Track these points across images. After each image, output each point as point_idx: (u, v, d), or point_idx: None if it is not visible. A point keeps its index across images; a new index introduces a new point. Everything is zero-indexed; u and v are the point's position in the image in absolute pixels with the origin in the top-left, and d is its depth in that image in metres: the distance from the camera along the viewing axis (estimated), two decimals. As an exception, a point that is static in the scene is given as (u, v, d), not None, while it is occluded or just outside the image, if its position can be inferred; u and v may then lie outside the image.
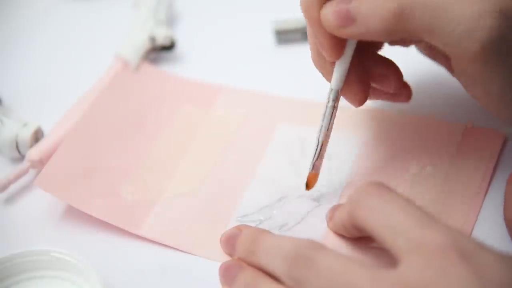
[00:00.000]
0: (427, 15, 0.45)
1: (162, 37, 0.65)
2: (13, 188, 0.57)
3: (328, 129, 0.51)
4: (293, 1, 0.70)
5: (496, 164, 0.53)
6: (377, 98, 0.55)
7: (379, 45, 0.54)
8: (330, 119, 0.51)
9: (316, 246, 0.43)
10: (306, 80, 0.63)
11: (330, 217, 0.51)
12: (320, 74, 0.63)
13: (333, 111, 0.51)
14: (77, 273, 0.49)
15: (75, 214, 0.54)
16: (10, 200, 0.56)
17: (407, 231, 0.41)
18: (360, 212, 0.44)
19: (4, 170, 0.58)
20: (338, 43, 0.49)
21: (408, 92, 0.54)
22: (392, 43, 0.54)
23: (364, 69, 0.52)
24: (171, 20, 0.70)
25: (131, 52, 0.64)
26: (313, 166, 0.52)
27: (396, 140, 0.56)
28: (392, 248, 0.41)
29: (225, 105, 0.61)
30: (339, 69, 0.50)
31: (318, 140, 0.51)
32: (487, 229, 0.50)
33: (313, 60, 0.53)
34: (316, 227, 0.51)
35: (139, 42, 0.65)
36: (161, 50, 0.66)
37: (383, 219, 0.42)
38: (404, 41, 0.54)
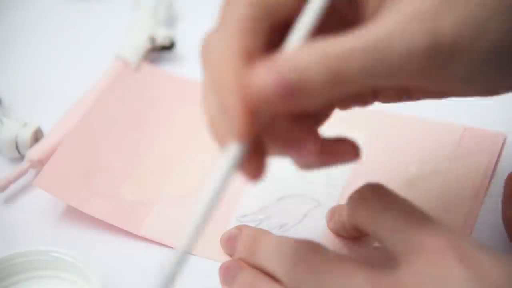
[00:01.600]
0: (363, 60, 0.37)
1: (162, 37, 0.65)
2: (12, 188, 0.57)
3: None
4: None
5: (495, 164, 0.53)
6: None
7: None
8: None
9: (316, 247, 0.43)
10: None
11: (330, 217, 0.51)
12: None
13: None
14: (77, 273, 0.49)
15: (75, 214, 0.54)
16: (9, 200, 0.56)
17: (406, 232, 0.41)
18: (360, 213, 0.44)
19: (4, 170, 0.58)
20: (251, 117, 0.37)
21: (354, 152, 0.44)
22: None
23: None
24: (171, 20, 0.70)
25: (131, 52, 0.64)
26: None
27: (396, 140, 0.56)
28: (391, 249, 0.41)
29: (225, 105, 0.61)
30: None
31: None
32: (486, 229, 0.50)
33: (209, 127, 0.42)
34: (316, 227, 0.51)
35: (139, 42, 0.65)
36: (161, 50, 0.66)
37: (382, 220, 0.42)
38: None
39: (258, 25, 0.39)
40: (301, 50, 0.37)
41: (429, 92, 0.43)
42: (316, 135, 0.42)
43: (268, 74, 0.36)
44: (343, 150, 0.43)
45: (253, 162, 0.39)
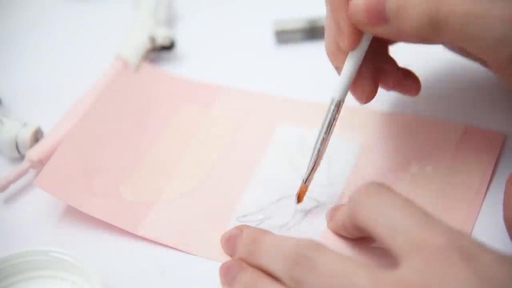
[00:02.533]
0: (461, 22, 0.45)
1: (162, 37, 0.65)
2: (12, 188, 0.57)
3: (326, 142, 0.50)
4: (293, 1, 0.70)
5: (495, 164, 0.53)
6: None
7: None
8: (330, 130, 0.50)
9: (316, 246, 0.43)
10: (306, 80, 0.63)
11: (331, 217, 0.51)
12: (320, 74, 0.63)
13: (333, 122, 0.50)
14: (77, 273, 0.49)
15: (75, 214, 0.54)
16: (10, 200, 0.56)
17: (407, 231, 0.41)
18: (360, 212, 0.44)
19: (4, 170, 0.58)
20: (358, 33, 0.48)
21: (415, 85, 0.53)
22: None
23: (374, 65, 0.51)
24: (171, 20, 0.70)
25: (131, 52, 0.64)
26: (307, 179, 0.51)
27: (396, 140, 0.56)
28: (392, 248, 0.41)
29: (225, 105, 0.61)
30: (351, 64, 0.49)
31: (315, 152, 0.50)
32: (487, 229, 0.50)
33: (326, 48, 0.51)
34: (316, 227, 0.51)
35: (139, 42, 0.65)
36: (161, 50, 0.66)
37: (384, 219, 0.42)
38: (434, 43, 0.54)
39: None
40: None
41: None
42: (397, 68, 0.52)
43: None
44: (409, 85, 0.52)
45: (364, 82, 0.50)
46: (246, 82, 0.63)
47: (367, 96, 0.51)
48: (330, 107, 0.50)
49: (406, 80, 0.53)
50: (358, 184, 0.53)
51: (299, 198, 0.52)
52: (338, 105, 0.50)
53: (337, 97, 0.50)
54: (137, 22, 0.67)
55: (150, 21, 0.67)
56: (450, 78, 0.59)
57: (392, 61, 0.53)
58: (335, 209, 0.51)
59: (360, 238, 0.49)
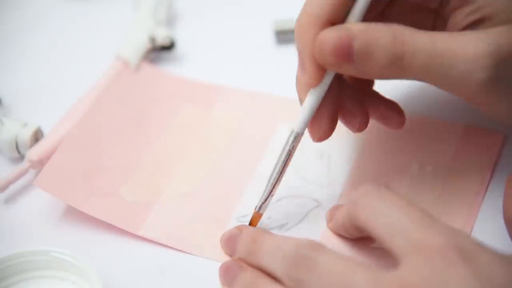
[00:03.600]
0: (424, 62, 0.45)
1: (162, 37, 0.65)
2: (13, 188, 0.57)
3: (282, 172, 0.50)
4: (293, 1, 0.70)
5: (495, 164, 0.53)
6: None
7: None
8: (287, 161, 0.50)
9: (316, 247, 0.43)
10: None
11: (330, 217, 0.51)
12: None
13: (291, 153, 0.50)
14: (77, 273, 0.49)
15: (75, 214, 0.54)
16: (10, 200, 0.56)
17: (407, 232, 0.41)
18: (360, 213, 0.44)
19: (4, 170, 0.58)
20: (320, 71, 0.48)
21: (399, 119, 0.52)
22: None
23: (335, 102, 0.50)
24: (171, 20, 0.70)
25: (131, 52, 0.64)
26: (260, 207, 0.51)
27: (396, 140, 0.56)
28: (392, 248, 0.41)
29: (225, 105, 0.61)
30: (311, 100, 0.48)
31: (271, 182, 0.50)
32: (487, 229, 0.50)
33: (296, 79, 0.51)
34: (316, 227, 0.51)
35: (139, 42, 0.65)
36: (161, 50, 0.66)
37: (383, 220, 0.42)
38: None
39: None
40: (376, 24, 0.46)
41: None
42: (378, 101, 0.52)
43: (336, 31, 0.46)
44: (392, 118, 0.52)
45: (321, 120, 0.49)
46: (246, 82, 0.63)
47: (320, 135, 0.50)
48: (288, 139, 0.49)
49: (390, 113, 0.52)
50: (358, 184, 0.53)
51: (251, 225, 0.51)
52: (296, 137, 0.49)
53: (296, 129, 0.49)
54: (137, 22, 0.67)
55: (150, 21, 0.67)
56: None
57: (369, 98, 0.52)
58: (335, 209, 0.51)
59: (360, 238, 0.49)
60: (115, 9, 0.72)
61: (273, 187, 0.50)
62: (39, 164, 0.57)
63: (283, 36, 0.66)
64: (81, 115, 0.60)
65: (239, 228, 0.50)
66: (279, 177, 0.50)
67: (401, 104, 0.56)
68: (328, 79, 0.48)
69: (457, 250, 0.39)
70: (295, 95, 0.61)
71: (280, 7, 0.69)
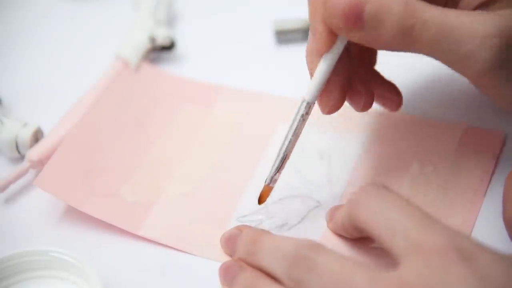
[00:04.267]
0: (434, 35, 0.45)
1: (162, 37, 0.65)
2: (13, 188, 0.57)
3: (293, 143, 0.50)
4: (293, 1, 0.70)
5: (496, 163, 0.53)
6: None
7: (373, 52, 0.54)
8: (298, 131, 0.49)
9: (316, 247, 0.43)
10: (306, 80, 0.63)
11: (330, 217, 0.51)
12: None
13: (301, 124, 0.49)
14: (77, 273, 0.49)
15: (75, 214, 0.54)
16: (10, 200, 0.56)
17: (407, 232, 0.41)
18: (360, 213, 0.44)
19: (4, 170, 0.58)
20: (331, 36, 0.47)
21: (397, 100, 0.53)
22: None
23: (347, 79, 0.50)
24: (171, 20, 0.70)
25: (131, 52, 0.64)
26: (271, 180, 0.50)
27: (396, 140, 0.56)
28: (392, 248, 0.41)
29: (225, 105, 0.61)
30: (322, 67, 0.48)
31: (281, 153, 0.50)
32: (486, 229, 0.50)
33: (306, 49, 0.50)
34: (316, 227, 0.51)
35: (139, 42, 0.65)
36: (161, 50, 0.66)
37: (383, 220, 0.42)
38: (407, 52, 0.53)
39: None
40: None
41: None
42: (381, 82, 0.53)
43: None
44: (390, 98, 0.53)
45: (331, 93, 0.49)
46: (246, 82, 0.63)
47: (330, 107, 0.50)
48: (299, 107, 0.49)
49: (388, 93, 0.53)
50: (358, 184, 0.53)
51: (261, 199, 0.51)
52: (308, 107, 0.49)
53: (307, 99, 0.49)
54: (137, 22, 0.67)
55: (150, 21, 0.67)
56: (450, 78, 0.58)
57: (372, 78, 0.53)
58: (335, 209, 0.51)
59: (360, 238, 0.49)
60: (115, 9, 0.72)
61: (284, 159, 0.50)
62: (39, 164, 0.57)
63: (283, 36, 0.66)
64: (81, 115, 0.60)
65: (239, 228, 0.50)
66: (289, 148, 0.50)
67: (402, 104, 0.56)
68: (339, 47, 0.48)
69: (457, 251, 0.39)
70: (295, 95, 0.61)
71: (280, 7, 0.69)
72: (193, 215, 0.53)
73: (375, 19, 0.45)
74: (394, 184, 0.53)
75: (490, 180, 0.52)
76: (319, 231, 0.51)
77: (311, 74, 0.50)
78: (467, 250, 0.39)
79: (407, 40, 0.46)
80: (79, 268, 0.48)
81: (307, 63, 0.50)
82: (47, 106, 0.64)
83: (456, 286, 0.38)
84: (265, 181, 0.51)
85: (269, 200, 0.53)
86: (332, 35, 0.47)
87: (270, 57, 0.66)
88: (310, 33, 0.49)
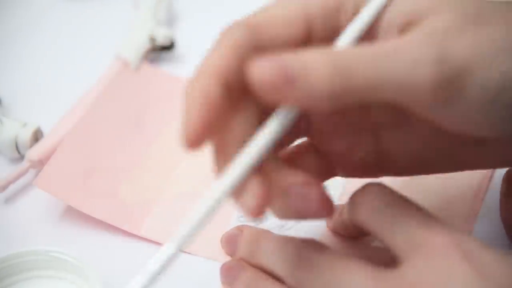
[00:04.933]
0: (371, 66, 0.37)
1: (162, 37, 0.65)
2: (12, 188, 0.57)
3: None
4: (293, 1, 0.70)
5: (496, 164, 0.53)
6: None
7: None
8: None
9: (318, 246, 0.43)
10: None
11: (330, 217, 0.51)
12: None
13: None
14: (77, 273, 0.49)
15: (75, 214, 0.54)
16: (10, 200, 0.56)
17: (408, 231, 0.41)
18: (360, 212, 0.44)
19: (4, 170, 0.58)
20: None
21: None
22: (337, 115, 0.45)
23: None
24: (171, 20, 0.70)
25: (131, 52, 0.64)
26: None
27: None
28: (393, 248, 0.41)
29: (225, 105, 0.61)
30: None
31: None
32: (486, 229, 0.50)
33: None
34: (316, 227, 0.51)
35: (139, 42, 0.65)
36: (161, 50, 0.66)
37: (384, 219, 0.42)
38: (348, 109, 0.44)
39: (247, 51, 0.39)
40: (305, 50, 0.38)
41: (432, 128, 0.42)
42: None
43: (272, 61, 0.37)
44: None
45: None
46: (246, 82, 0.63)
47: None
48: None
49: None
50: (358, 184, 0.53)
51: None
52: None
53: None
54: (137, 22, 0.67)
55: (150, 21, 0.67)
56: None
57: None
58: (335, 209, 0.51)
59: (360, 238, 0.49)
60: (115, 9, 0.72)
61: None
62: (39, 164, 0.57)
63: (283, 36, 0.66)
64: (81, 115, 0.60)
65: (239, 228, 0.50)
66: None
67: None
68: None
69: (459, 250, 0.39)
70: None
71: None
72: (193, 215, 0.53)
73: (304, 73, 0.37)
74: (394, 184, 0.53)
75: (490, 180, 0.52)
76: (319, 231, 0.51)
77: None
78: (469, 249, 0.39)
79: (343, 90, 0.37)
80: (79, 268, 0.48)
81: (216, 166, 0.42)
82: (47, 106, 0.64)
83: (458, 285, 0.38)
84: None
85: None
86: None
87: (270, 57, 0.66)
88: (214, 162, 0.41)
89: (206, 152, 0.58)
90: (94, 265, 0.48)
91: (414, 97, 0.38)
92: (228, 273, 0.47)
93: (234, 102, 0.39)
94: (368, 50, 0.38)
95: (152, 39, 0.65)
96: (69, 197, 0.54)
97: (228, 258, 0.50)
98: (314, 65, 0.37)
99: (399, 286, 0.39)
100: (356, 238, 0.49)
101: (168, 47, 0.66)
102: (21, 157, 0.59)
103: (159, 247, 0.52)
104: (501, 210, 0.49)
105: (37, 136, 0.59)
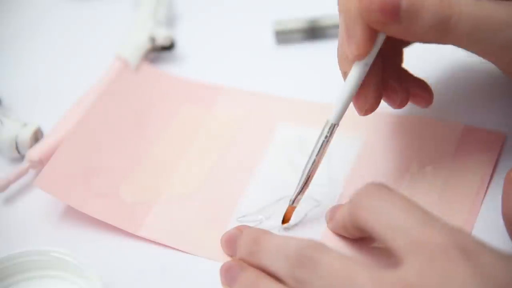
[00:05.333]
0: (470, 26, 0.45)
1: (162, 37, 0.65)
2: (13, 188, 0.57)
3: (318, 163, 0.50)
4: (293, 1, 0.70)
5: (495, 163, 0.53)
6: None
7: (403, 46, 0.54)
8: (321, 153, 0.50)
9: (318, 246, 0.43)
10: (305, 80, 0.63)
11: (331, 217, 0.51)
12: (320, 74, 0.63)
13: (326, 145, 0.50)
14: (77, 273, 0.49)
15: (75, 214, 0.54)
16: (10, 200, 0.56)
17: (408, 231, 0.41)
18: (361, 212, 0.44)
19: (4, 170, 0.58)
20: (370, 39, 0.47)
21: (427, 97, 0.53)
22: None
23: (381, 78, 0.51)
24: (171, 20, 0.70)
25: (131, 52, 0.64)
26: (294, 200, 0.51)
27: (396, 140, 0.56)
28: (393, 247, 0.41)
29: (225, 105, 0.61)
30: (356, 74, 0.48)
31: (305, 174, 0.50)
32: (487, 229, 0.50)
33: (338, 56, 0.50)
34: (316, 227, 0.51)
35: (139, 42, 0.65)
36: (161, 50, 0.66)
37: (384, 219, 0.42)
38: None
39: None
40: None
41: None
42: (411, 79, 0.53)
43: None
44: (421, 96, 0.53)
45: (367, 93, 0.50)
46: (246, 82, 0.63)
47: (367, 109, 0.50)
48: (323, 130, 0.50)
49: (419, 91, 0.53)
50: (358, 184, 0.53)
51: (285, 219, 0.51)
52: (332, 128, 0.50)
53: (331, 120, 0.50)
54: (137, 22, 0.67)
55: (150, 21, 0.67)
56: (450, 78, 0.58)
57: (403, 76, 0.53)
58: (335, 209, 0.51)
59: (360, 238, 0.49)
60: (115, 9, 0.72)
61: (307, 180, 0.50)
62: (39, 164, 0.57)
63: (283, 36, 0.66)
64: (81, 115, 0.60)
65: (239, 229, 0.50)
66: (313, 169, 0.50)
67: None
68: (375, 50, 0.48)
69: (459, 249, 0.39)
70: (295, 95, 0.61)
71: (280, 7, 0.69)
72: (193, 215, 0.53)
73: (412, 11, 0.45)
74: (394, 183, 0.53)
75: (490, 180, 0.52)
76: (319, 231, 0.51)
77: (344, 77, 0.50)
78: (469, 249, 0.39)
79: (443, 31, 0.46)
80: (79, 268, 0.48)
81: (341, 70, 0.50)
82: (47, 106, 0.64)
83: (457, 285, 0.38)
84: (290, 202, 0.51)
85: (269, 200, 0.53)
86: (371, 39, 0.47)
87: (270, 57, 0.66)
88: (342, 36, 0.49)
89: (206, 152, 0.58)
90: (94, 265, 0.48)
91: (500, 62, 0.47)
92: (228, 273, 0.47)
93: None
94: (478, 6, 0.45)
95: (152, 39, 0.65)
96: (69, 197, 0.54)
97: (228, 258, 0.50)
98: (423, 8, 0.45)
99: (399, 286, 0.39)
100: (355, 239, 0.49)
101: (168, 47, 0.66)
102: (21, 157, 0.59)
103: (159, 247, 0.52)
104: (503, 208, 0.49)
105: (37, 136, 0.59)
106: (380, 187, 0.44)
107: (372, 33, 0.47)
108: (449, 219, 0.49)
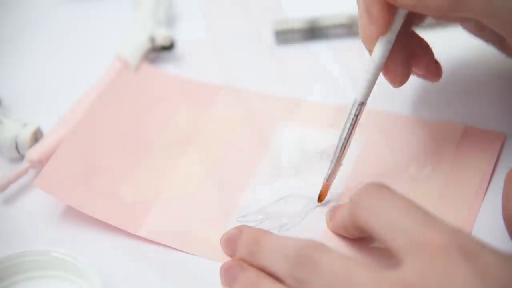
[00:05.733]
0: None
1: (162, 37, 0.65)
2: (12, 188, 0.57)
3: (349, 141, 0.51)
4: (293, 1, 0.70)
5: (495, 164, 0.53)
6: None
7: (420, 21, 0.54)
8: (351, 133, 0.51)
9: (318, 246, 0.43)
10: (306, 80, 0.63)
11: (331, 217, 0.51)
12: (320, 74, 0.63)
13: (355, 124, 0.51)
14: (77, 273, 0.49)
15: (75, 214, 0.54)
16: (10, 200, 0.56)
17: (408, 231, 0.41)
18: (361, 213, 0.44)
19: (4, 170, 0.58)
20: (388, 16, 0.49)
21: (439, 71, 0.54)
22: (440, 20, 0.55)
23: (406, 47, 0.52)
24: (171, 20, 0.70)
25: (131, 52, 0.64)
26: (329, 177, 0.52)
27: (396, 140, 0.56)
28: (393, 248, 0.41)
29: (225, 105, 0.61)
30: (380, 51, 0.50)
31: (338, 150, 0.51)
32: (486, 229, 0.50)
33: (360, 36, 0.52)
34: (316, 227, 0.51)
35: (139, 42, 0.65)
36: (160, 50, 0.66)
37: (385, 219, 0.42)
38: (454, 19, 0.54)
39: None
40: None
41: None
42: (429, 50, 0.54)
43: None
44: (435, 69, 0.53)
45: (397, 66, 0.51)
46: (246, 82, 0.63)
47: (400, 80, 0.52)
48: (351, 110, 0.51)
49: (435, 64, 0.54)
50: (358, 184, 0.53)
51: (321, 197, 0.52)
52: (360, 107, 0.51)
53: (358, 98, 0.50)
54: (137, 22, 0.67)
55: (150, 21, 0.67)
56: (450, 78, 0.58)
57: (424, 43, 0.54)
58: (335, 210, 0.51)
59: (360, 238, 0.49)
60: (115, 9, 0.72)
61: (340, 158, 0.51)
62: (39, 164, 0.57)
63: (283, 36, 0.66)
64: (81, 115, 0.60)
65: (239, 229, 0.50)
66: (345, 146, 0.51)
67: (401, 104, 0.56)
68: (397, 25, 0.49)
69: (459, 249, 0.39)
70: (295, 95, 0.61)
71: (280, 7, 0.69)
72: (193, 215, 0.53)
73: None
74: (394, 184, 0.53)
75: (490, 180, 0.52)
76: (319, 231, 0.51)
77: (370, 54, 0.51)
78: (469, 249, 0.39)
79: (456, 5, 0.46)
80: (79, 268, 0.48)
81: (368, 49, 0.51)
82: (47, 106, 0.64)
83: (458, 285, 0.38)
84: (324, 179, 0.52)
85: (269, 200, 0.53)
86: (390, 15, 0.49)
87: (270, 57, 0.66)
88: (362, 18, 0.50)
89: (206, 152, 0.58)
90: (94, 265, 0.48)
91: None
92: (228, 273, 0.47)
93: None
94: None
95: (152, 39, 0.65)
96: (69, 197, 0.54)
97: (228, 258, 0.50)
98: None
99: (399, 286, 0.39)
100: (355, 239, 0.49)
101: (168, 47, 0.66)
102: (21, 157, 0.59)
103: (159, 247, 0.52)
104: (504, 208, 0.49)
105: (37, 136, 0.59)
106: (380, 187, 0.44)
107: (389, 9, 0.49)
108: (449, 219, 0.49)
